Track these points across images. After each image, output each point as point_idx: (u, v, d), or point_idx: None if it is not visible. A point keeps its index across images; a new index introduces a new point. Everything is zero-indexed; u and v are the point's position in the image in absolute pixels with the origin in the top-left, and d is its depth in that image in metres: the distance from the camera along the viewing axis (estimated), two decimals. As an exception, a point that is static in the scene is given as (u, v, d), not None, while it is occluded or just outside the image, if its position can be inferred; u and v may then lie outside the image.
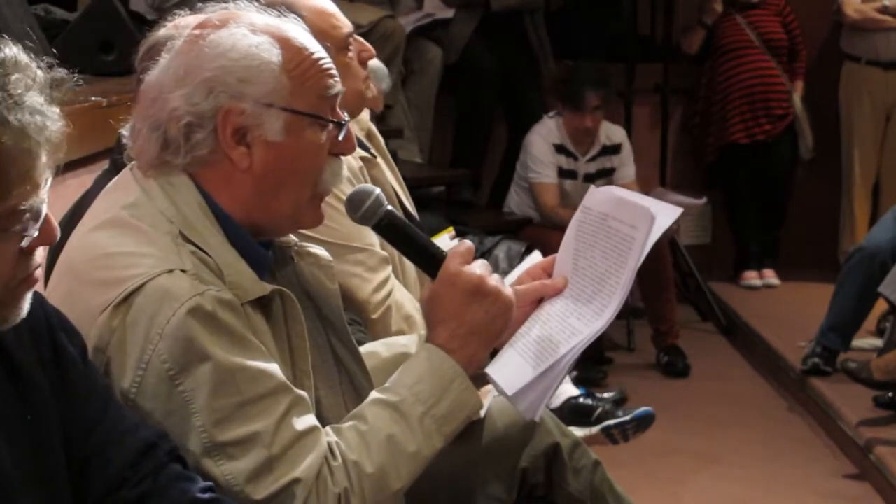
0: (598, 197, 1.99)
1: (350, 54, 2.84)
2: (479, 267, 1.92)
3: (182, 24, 2.45)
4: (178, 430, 1.73)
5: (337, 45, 2.72)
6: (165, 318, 1.73)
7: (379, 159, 3.11)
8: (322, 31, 2.51)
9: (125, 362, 1.74)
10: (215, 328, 1.74)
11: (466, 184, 6.57)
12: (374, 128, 3.26)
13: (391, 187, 3.05)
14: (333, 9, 2.83)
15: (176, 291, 1.74)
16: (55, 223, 1.54)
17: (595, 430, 4.13)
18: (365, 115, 3.19)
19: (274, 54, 1.83)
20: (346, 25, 2.79)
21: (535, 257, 2.21)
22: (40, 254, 1.56)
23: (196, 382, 1.72)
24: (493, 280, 1.91)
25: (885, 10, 6.91)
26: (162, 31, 2.50)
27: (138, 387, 1.74)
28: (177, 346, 1.72)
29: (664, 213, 1.91)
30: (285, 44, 1.85)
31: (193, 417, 1.73)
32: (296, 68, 1.85)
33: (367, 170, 2.96)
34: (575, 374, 4.76)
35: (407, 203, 3.17)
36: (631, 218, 1.91)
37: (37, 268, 1.55)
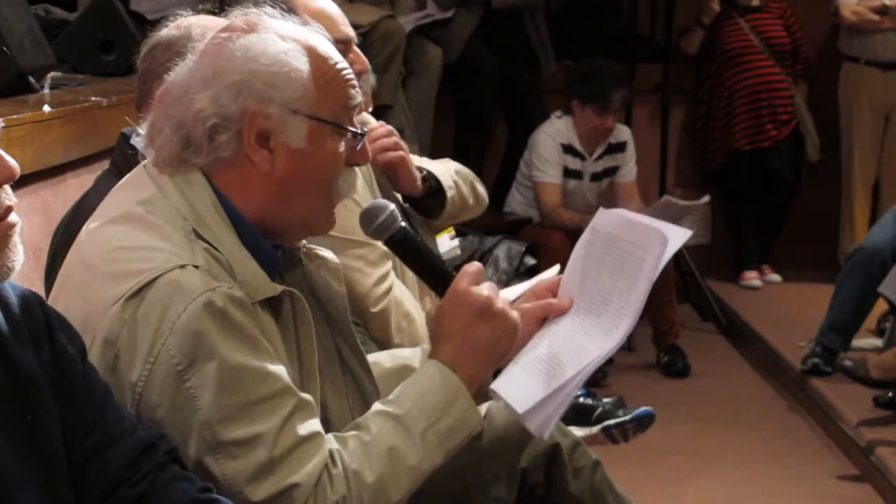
0: (606, 218, 1.99)
1: None
2: (487, 288, 1.94)
3: (184, 24, 2.46)
4: (183, 425, 1.74)
5: None
6: (176, 312, 1.74)
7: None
8: None
9: (134, 355, 1.75)
10: (225, 325, 1.75)
11: (466, 184, 6.56)
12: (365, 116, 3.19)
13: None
14: (333, 14, 2.81)
15: (188, 287, 1.75)
16: (8, 158, 1.53)
17: (595, 429, 4.12)
18: None
19: (303, 62, 1.85)
20: (337, 31, 2.77)
21: (553, 271, 2.21)
22: (9, 193, 1.54)
23: (203, 379, 1.73)
24: (501, 302, 1.94)
25: (884, 10, 6.90)
26: (164, 32, 2.51)
27: (146, 380, 1.75)
28: (186, 341, 1.73)
29: (675, 236, 1.91)
30: (312, 52, 1.88)
31: (198, 414, 1.73)
32: (322, 77, 1.87)
33: None
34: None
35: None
36: (642, 240, 1.91)
37: (7, 210, 1.54)
